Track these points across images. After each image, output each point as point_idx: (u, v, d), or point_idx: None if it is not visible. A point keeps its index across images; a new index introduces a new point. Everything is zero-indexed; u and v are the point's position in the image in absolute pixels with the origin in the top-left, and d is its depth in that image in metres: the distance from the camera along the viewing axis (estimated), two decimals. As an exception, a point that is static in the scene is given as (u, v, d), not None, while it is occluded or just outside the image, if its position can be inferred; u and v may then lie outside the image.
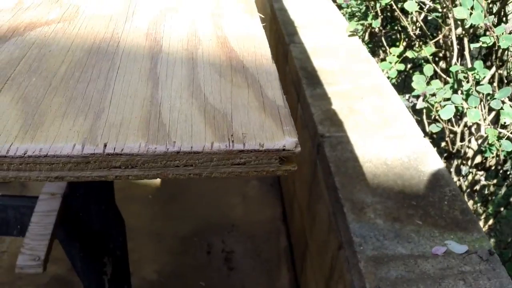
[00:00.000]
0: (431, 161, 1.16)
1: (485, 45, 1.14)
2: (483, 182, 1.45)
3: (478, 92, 1.18)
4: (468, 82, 1.38)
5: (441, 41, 1.53)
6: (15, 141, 0.46)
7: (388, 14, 1.65)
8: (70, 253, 1.28)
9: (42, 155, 0.45)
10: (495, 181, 1.51)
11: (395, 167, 1.14)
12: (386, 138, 1.21)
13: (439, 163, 1.15)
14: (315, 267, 1.26)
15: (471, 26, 1.34)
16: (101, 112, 0.50)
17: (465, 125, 1.39)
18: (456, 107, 1.29)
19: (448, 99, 1.30)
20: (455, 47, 1.33)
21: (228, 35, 0.66)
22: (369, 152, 1.17)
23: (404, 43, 1.60)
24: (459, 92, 1.23)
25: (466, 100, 1.23)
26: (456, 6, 1.39)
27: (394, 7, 1.51)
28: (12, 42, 0.65)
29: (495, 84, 1.26)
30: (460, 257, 0.96)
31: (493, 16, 1.28)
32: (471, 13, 1.17)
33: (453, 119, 1.40)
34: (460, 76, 1.35)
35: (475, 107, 1.13)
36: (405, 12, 1.56)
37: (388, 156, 1.17)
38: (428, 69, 1.35)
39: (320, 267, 1.21)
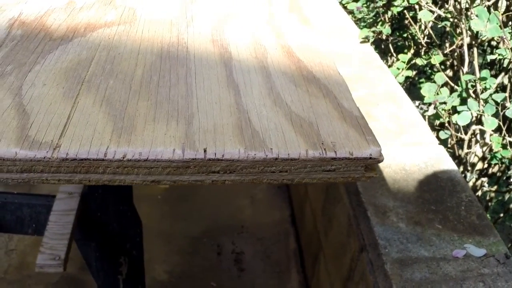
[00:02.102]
0: (447, 167, 1.22)
1: (500, 57, 1.21)
2: (486, 188, 1.54)
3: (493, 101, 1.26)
4: (475, 90, 1.46)
5: (447, 49, 1.61)
6: (111, 144, 0.48)
7: (397, 21, 1.72)
8: (85, 253, 1.28)
9: (142, 159, 0.48)
10: (495, 187, 1.60)
11: (413, 173, 1.20)
12: (403, 144, 1.27)
13: (454, 170, 1.22)
14: (330, 269, 1.31)
15: (477, 35, 1.42)
16: (191, 117, 0.53)
17: (473, 133, 1.47)
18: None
19: (461, 105, 1.38)
20: (466, 57, 1.41)
21: (291, 45, 0.69)
22: (388, 158, 1.23)
23: (412, 50, 1.68)
24: (469, 99, 1.30)
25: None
26: (466, 16, 1.48)
27: (406, 15, 1.57)
28: (76, 43, 0.67)
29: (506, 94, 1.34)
30: (478, 260, 1.03)
31: (508, 28, 1.37)
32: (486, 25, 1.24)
33: (461, 127, 1.48)
34: (468, 84, 1.43)
35: (491, 115, 1.20)
36: (414, 20, 1.63)
37: (406, 162, 1.23)
38: (439, 77, 1.42)
39: (337, 269, 1.26)
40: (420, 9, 1.62)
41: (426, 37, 1.67)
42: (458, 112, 1.28)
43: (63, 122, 0.51)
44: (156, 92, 0.56)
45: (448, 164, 1.25)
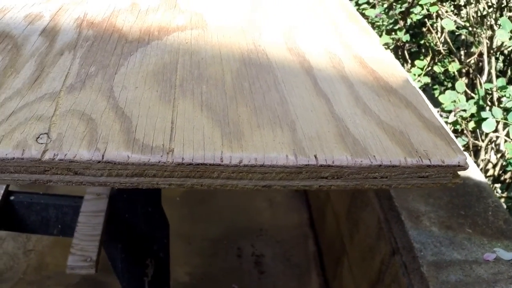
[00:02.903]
0: (472, 174, 1.27)
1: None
2: (498, 194, 1.59)
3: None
4: (491, 98, 1.51)
5: (462, 57, 1.66)
6: (224, 149, 0.49)
7: (413, 28, 1.77)
8: (111, 254, 1.28)
9: (258, 164, 0.49)
10: (505, 193, 1.66)
11: (441, 178, 1.24)
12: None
13: (480, 176, 1.27)
14: (355, 272, 1.34)
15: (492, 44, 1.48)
16: (293, 124, 0.54)
17: (490, 140, 1.53)
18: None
19: (478, 113, 1.43)
20: (486, 65, 1.46)
21: (362, 56, 0.71)
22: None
23: (429, 57, 1.72)
24: (493, 107, 1.35)
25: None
26: (484, 24, 1.53)
27: (424, 22, 1.62)
28: (155, 46, 0.67)
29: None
30: (508, 263, 1.07)
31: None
32: (511, 36, 1.30)
33: (478, 133, 1.53)
34: (482, 92, 1.49)
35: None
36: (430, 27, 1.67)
37: (433, 167, 1.26)
38: (460, 85, 1.47)
39: (364, 272, 1.28)
40: (438, 17, 1.67)
41: (442, 45, 1.72)
42: (482, 120, 1.33)
43: (169, 126, 0.51)
44: (252, 99, 0.57)
45: (473, 170, 1.30)
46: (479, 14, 1.58)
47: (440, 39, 1.71)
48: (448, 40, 1.63)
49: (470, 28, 1.54)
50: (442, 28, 1.69)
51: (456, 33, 1.65)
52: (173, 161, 0.47)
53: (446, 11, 1.55)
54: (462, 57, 1.71)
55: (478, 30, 1.50)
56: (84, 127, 0.51)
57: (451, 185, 0.56)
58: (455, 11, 1.67)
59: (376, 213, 1.24)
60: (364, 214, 1.30)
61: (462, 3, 1.70)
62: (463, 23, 1.55)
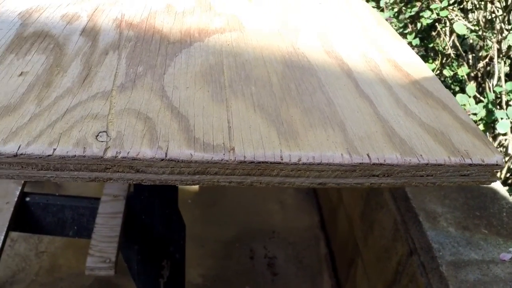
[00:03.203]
0: (485, 176, 1.30)
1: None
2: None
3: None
4: (500, 102, 1.55)
5: (470, 61, 1.70)
6: (282, 148, 0.51)
7: (422, 32, 1.80)
8: (127, 255, 1.28)
9: (316, 162, 0.50)
10: (512, 195, 1.70)
11: (456, 180, 1.27)
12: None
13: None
14: (370, 273, 1.36)
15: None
16: (343, 124, 0.56)
17: (499, 143, 1.56)
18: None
19: (487, 116, 1.46)
20: (496, 69, 1.50)
21: (395, 60, 0.73)
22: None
23: (437, 61, 1.76)
24: (509, 108, 1.39)
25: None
26: (492, 28, 1.57)
27: (433, 26, 1.65)
28: (197, 47, 0.68)
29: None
30: (524, 263, 1.10)
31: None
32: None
33: (488, 136, 1.57)
34: (492, 95, 1.52)
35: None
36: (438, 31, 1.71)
37: (448, 170, 1.29)
38: (471, 89, 1.51)
39: (379, 272, 1.30)
40: (445, 21, 1.70)
41: (450, 49, 1.75)
42: (492, 122, 1.37)
43: (226, 126, 0.53)
44: (301, 100, 0.59)
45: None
46: (487, 18, 1.62)
47: (448, 43, 1.75)
48: (457, 44, 1.66)
49: (480, 32, 1.57)
50: (451, 32, 1.72)
51: (463, 37, 1.69)
52: (235, 159, 0.48)
53: (456, 15, 1.59)
54: (470, 60, 1.74)
55: (488, 34, 1.54)
56: (143, 125, 0.52)
57: (488, 183, 0.58)
58: (463, 15, 1.71)
59: (392, 214, 1.26)
60: (380, 216, 1.32)
61: (469, 7, 1.74)
62: (472, 27, 1.59)
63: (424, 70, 0.74)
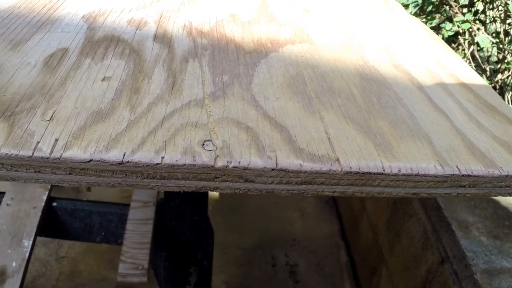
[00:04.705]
0: None
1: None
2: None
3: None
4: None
5: (487, 73, 1.77)
6: (382, 159, 0.54)
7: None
8: (155, 262, 1.29)
9: (413, 173, 0.54)
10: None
11: (483, 191, 1.33)
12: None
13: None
14: (397, 281, 1.40)
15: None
16: (428, 137, 0.59)
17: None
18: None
19: None
20: (517, 83, 1.57)
21: (456, 74, 0.78)
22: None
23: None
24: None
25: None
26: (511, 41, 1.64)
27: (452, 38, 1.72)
28: (274, 58, 0.72)
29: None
30: (553, 273, 1.16)
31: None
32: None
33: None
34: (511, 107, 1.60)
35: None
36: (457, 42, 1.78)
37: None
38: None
39: (407, 281, 1.35)
40: (465, 32, 1.77)
41: (467, 60, 1.82)
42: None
43: (325, 137, 0.56)
44: (385, 113, 0.62)
45: None
46: (506, 30, 1.69)
47: (467, 55, 1.82)
48: (477, 56, 1.74)
49: (500, 45, 1.65)
50: (469, 44, 1.80)
51: (480, 49, 1.76)
52: (342, 169, 0.52)
53: (478, 29, 1.66)
54: (488, 72, 1.82)
55: (508, 47, 1.61)
56: (246, 135, 0.55)
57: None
58: (483, 27, 1.78)
59: (422, 223, 1.31)
60: (408, 225, 1.37)
61: (487, 20, 1.82)
62: (493, 40, 1.66)
63: (483, 84, 0.79)
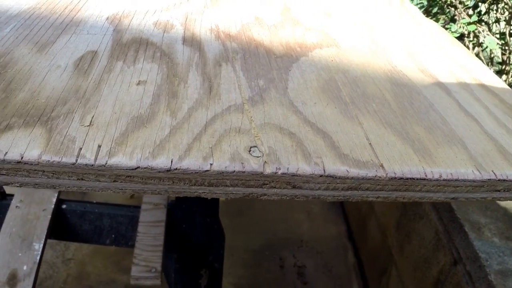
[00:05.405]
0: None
1: None
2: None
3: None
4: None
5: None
6: (423, 164, 0.56)
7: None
8: (165, 264, 1.30)
9: (453, 178, 0.56)
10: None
11: (493, 192, 1.37)
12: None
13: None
14: (407, 282, 1.43)
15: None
16: (462, 143, 0.62)
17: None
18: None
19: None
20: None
21: (480, 79, 0.80)
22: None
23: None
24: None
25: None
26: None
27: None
28: (304, 62, 0.73)
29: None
30: None
31: None
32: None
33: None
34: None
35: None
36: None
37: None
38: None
39: (418, 282, 1.38)
40: (469, 34, 1.81)
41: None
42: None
43: (366, 142, 0.58)
44: (419, 118, 0.65)
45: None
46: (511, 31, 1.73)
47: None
48: (482, 57, 1.78)
49: (505, 47, 1.69)
50: (474, 46, 1.84)
51: (483, 50, 1.80)
52: (387, 175, 0.54)
53: (484, 30, 1.70)
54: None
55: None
56: (290, 141, 0.56)
57: None
58: (488, 28, 1.82)
59: (433, 224, 1.34)
60: (419, 226, 1.40)
61: (491, 20, 1.86)
62: (499, 41, 1.70)
63: (506, 88, 0.82)
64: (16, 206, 1.22)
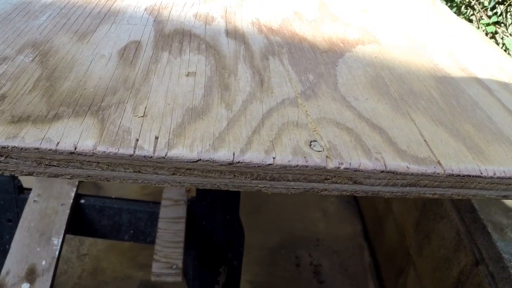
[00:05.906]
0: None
1: None
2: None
3: None
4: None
5: None
6: (477, 161, 0.58)
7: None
8: (184, 261, 1.31)
9: (507, 176, 0.58)
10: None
11: (515, 193, 1.40)
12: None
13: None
14: (426, 283, 1.46)
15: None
16: (510, 140, 0.63)
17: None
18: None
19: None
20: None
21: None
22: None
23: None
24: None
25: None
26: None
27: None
28: (350, 58, 0.75)
29: None
30: None
31: None
32: None
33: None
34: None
35: None
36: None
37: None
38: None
39: (437, 282, 1.41)
40: (487, 35, 1.84)
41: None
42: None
43: (421, 139, 0.59)
44: (467, 116, 0.65)
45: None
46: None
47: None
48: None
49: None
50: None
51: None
52: (445, 172, 0.56)
53: (503, 32, 1.72)
54: None
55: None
56: (348, 136, 0.58)
57: None
58: (505, 29, 1.85)
59: (454, 225, 1.37)
60: (439, 226, 1.43)
61: (508, 22, 1.89)
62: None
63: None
64: (34, 201, 1.23)
